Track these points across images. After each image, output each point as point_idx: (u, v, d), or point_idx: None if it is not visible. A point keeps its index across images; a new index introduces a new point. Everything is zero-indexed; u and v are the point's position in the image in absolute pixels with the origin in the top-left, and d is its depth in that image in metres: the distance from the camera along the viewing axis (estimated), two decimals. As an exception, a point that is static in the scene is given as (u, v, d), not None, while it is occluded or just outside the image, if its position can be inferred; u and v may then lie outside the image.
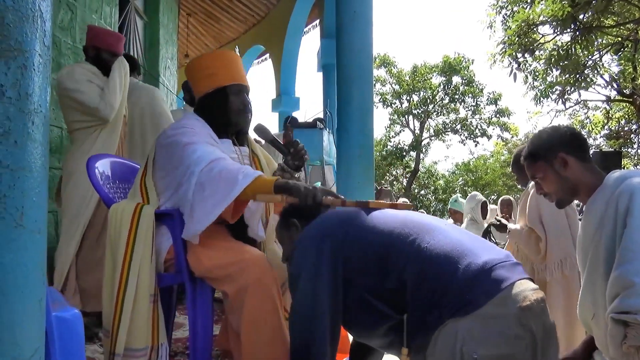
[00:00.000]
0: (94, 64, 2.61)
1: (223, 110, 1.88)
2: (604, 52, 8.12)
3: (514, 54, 6.75)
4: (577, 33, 6.03)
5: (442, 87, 19.11)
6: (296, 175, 1.79)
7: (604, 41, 7.87)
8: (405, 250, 1.25)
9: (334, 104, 4.53)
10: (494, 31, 8.57)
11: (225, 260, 1.63)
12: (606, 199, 1.41)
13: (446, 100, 19.30)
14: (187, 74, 2.00)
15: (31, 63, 0.61)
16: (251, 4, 8.86)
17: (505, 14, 8.15)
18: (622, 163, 8.93)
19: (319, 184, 4.81)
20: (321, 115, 4.54)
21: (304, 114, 8.68)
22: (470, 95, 19.04)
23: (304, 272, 1.33)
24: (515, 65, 6.86)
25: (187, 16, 9.36)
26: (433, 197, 21.64)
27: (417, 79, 18.73)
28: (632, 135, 15.07)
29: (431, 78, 19.04)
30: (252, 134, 2.13)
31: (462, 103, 19.35)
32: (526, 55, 6.89)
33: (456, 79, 19.03)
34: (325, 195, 1.55)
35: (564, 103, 7.67)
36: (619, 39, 7.75)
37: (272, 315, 1.57)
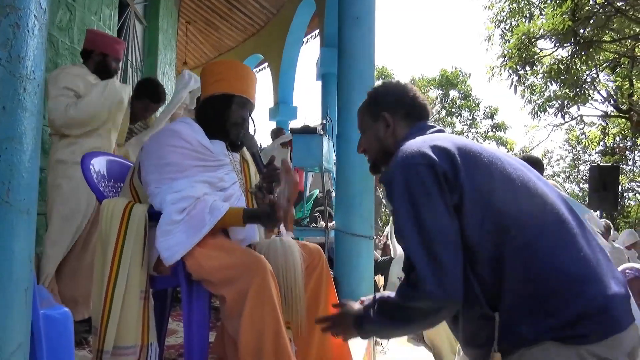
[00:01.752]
0: (96, 68, 2.59)
1: (222, 116, 1.86)
2: (601, 68, 8.17)
3: (514, 66, 6.76)
4: (577, 47, 6.05)
5: (439, 100, 19.20)
6: (270, 196, 1.76)
7: (601, 57, 7.93)
8: (528, 231, 1.05)
9: (333, 111, 4.50)
10: (492, 44, 8.63)
11: (225, 263, 1.57)
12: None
13: (443, 114, 19.38)
14: (202, 74, 1.98)
15: (25, 23, 0.54)
16: (251, 13, 8.88)
17: (504, 28, 8.20)
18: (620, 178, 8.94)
19: (316, 192, 4.75)
20: (319, 122, 4.52)
21: (303, 122, 8.67)
22: (466, 109, 19.14)
23: (417, 189, 1.08)
24: (516, 78, 6.87)
25: (187, 24, 9.37)
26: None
27: (414, 92, 18.79)
28: (626, 152, 15.16)
29: (428, 91, 19.13)
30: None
31: (459, 117, 19.45)
32: (526, 67, 6.91)
33: (453, 93, 19.15)
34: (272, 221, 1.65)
35: (563, 116, 7.69)
36: (616, 55, 7.81)
37: (273, 320, 1.50)
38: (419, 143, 1.17)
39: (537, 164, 1.78)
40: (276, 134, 6.00)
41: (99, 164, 1.91)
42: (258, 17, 8.98)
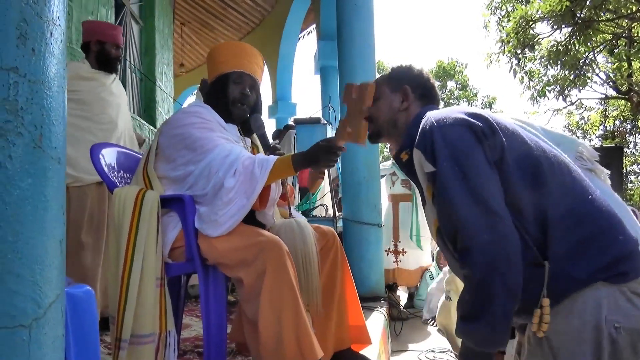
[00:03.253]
0: (97, 59, 2.56)
1: (223, 98, 1.83)
2: (598, 50, 8.14)
3: (513, 50, 6.73)
4: (576, 28, 6.04)
5: (436, 92, 19.17)
6: None
7: (598, 39, 7.91)
8: (564, 181, 1.11)
9: (335, 102, 4.48)
10: (489, 31, 8.61)
11: (240, 244, 1.55)
12: None
13: (441, 105, 19.36)
14: (207, 62, 1.97)
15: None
16: (246, 11, 8.85)
17: (500, 14, 8.18)
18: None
19: (323, 184, 4.73)
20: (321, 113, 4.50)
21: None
22: (464, 99, 19.12)
23: (463, 151, 1.08)
24: (515, 62, 6.85)
25: (182, 25, 9.34)
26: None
27: (411, 84, 18.79)
28: (627, 135, 15.14)
29: (425, 83, 19.10)
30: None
31: (457, 107, 19.46)
32: (526, 50, 6.89)
33: (451, 84, 19.13)
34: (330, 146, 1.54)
35: (564, 99, 7.67)
36: (613, 36, 7.77)
37: (292, 300, 1.49)
38: (449, 110, 1.20)
39: None
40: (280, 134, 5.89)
41: (109, 156, 1.90)
42: (253, 15, 8.96)
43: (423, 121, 1.20)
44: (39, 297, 0.51)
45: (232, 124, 1.86)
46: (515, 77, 7.08)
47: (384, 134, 1.41)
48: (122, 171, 1.96)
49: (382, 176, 4.18)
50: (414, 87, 1.36)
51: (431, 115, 1.18)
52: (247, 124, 1.92)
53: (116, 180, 1.86)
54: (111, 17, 4.31)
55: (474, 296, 1.07)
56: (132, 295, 1.53)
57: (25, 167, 0.50)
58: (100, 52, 2.55)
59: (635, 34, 8.11)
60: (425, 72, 1.42)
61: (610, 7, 6.61)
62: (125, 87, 5.00)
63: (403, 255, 4.22)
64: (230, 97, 1.83)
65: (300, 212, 4.04)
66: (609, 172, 1.63)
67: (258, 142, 2.04)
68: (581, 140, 1.64)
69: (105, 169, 1.82)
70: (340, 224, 3.65)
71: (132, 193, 1.64)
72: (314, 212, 3.97)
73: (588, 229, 1.07)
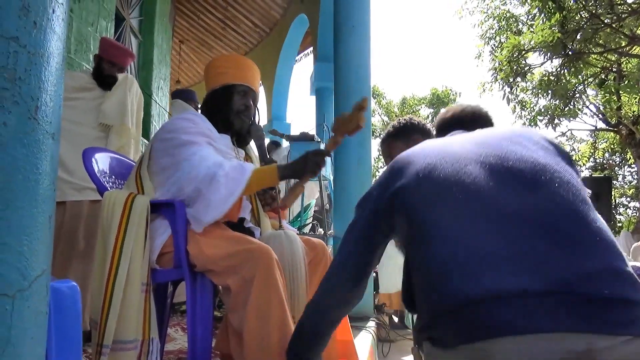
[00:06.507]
0: (93, 73, 2.65)
1: (225, 108, 1.87)
2: (588, 82, 8.32)
3: (506, 78, 6.87)
4: (566, 59, 6.18)
5: (430, 119, 19.39)
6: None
7: (588, 72, 8.10)
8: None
9: (330, 121, 4.51)
10: (482, 61, 8.80)
11: (229, 250, 1.54)
12: None
13: (434, 132, 19.55)
14: (204, 72, 2.02)
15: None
16: (245, 32, 8.98)
17: (494, 45, 8.37)
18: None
19: (313, 202, 4.74)
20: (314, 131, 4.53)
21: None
22: (457, 127, 19.33)
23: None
24: (508, 90, 6.98)
25: (180, 43, 9.45)
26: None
27: (405, 110, 19.01)
28: (615, 168, 15.35)
29: (419, 110, 19.33)
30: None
31: (450, 135, 19.64)
32: (518, 79, 7.03)
33: (444, 112, 19.35)
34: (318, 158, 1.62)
35: (554, 128, 7.82)
36: (602, 70, 7.96)
37: (279, 308, 1.47)
38: None
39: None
40: (272, 148, 6.08)
41: (102, 161, 1.90)
42: (251, 36, 9.09)
43: None
44: (25, 269, 0.51)
45: (226, 134, 1.88)
46: (509, 104, 7.22)
47: None
48: (113, 177, 1.95)
49: None
50: (421, 134, 1.72)
51: None
52: (243, 136, 1.95)
53: (107, 185, 1.86)
54: (110, 30, 4.35)
55: None
56: (117, 300, 1.51)
57: (19, 136, 0.50)
58: (97, 66, 2.63)
59: (624, 69, 8.31)
60: (417, 118, 1.80)
61: (600, 41, 6.79)
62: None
63: None
64: (234, 108, 1.88)
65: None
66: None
67: (251, 154, 2.06)
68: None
69: (97, 173, 1.81)
70: (331, 242, 3.64)
71: (121, 197, 1.63)
72: (305, 229, 3.96)
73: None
